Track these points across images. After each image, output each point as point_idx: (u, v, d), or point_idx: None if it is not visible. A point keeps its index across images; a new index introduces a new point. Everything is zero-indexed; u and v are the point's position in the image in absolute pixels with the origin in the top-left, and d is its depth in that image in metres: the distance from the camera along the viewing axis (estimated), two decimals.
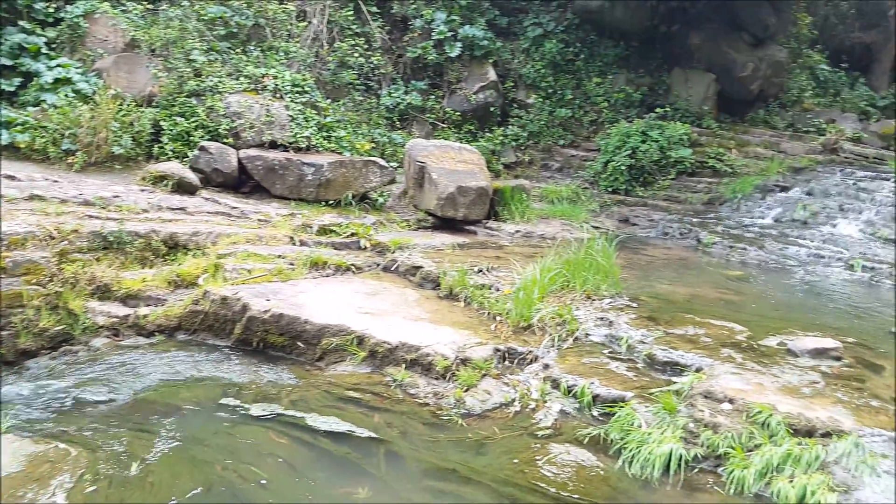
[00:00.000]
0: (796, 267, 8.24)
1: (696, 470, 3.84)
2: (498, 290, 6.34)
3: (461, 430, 4.29)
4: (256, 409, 4.41)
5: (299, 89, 10.09)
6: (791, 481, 3.57)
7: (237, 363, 5.21)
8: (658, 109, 12.35)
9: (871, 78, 15.80)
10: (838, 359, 4.97)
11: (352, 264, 7.14)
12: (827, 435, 3.90)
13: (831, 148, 11.90)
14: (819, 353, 5.01)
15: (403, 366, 5.02)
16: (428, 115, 12.23)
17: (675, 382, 4.58)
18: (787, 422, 3.95)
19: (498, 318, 5.82)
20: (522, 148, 12.58)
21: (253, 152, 9.11)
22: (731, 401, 4.21)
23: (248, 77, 9.89)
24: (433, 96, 12.48)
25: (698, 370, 4.71)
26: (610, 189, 11.43)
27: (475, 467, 3.88)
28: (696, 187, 11.18)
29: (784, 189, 10.44)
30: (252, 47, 10.66)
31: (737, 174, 11.15)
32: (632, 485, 3.71)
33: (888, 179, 9.94)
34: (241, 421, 4.30)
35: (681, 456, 3.82)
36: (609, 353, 5.21)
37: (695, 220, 10.02)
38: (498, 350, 5.24)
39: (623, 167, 11.25)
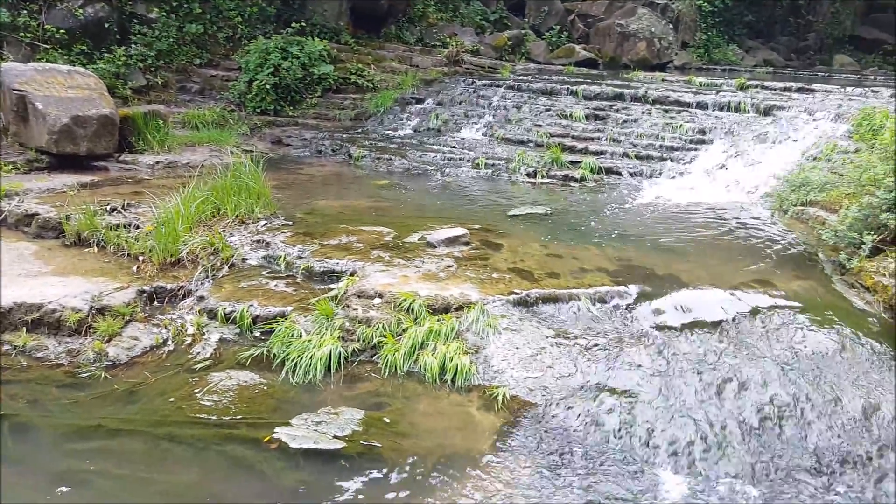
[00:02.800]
0: (434, 171, 9.13)
1: (356, 363, 4.09)
2: (138, 227, 5.71)
3: (106, 383, 3.85)
4: None
5: None
6: (433, 353, 4.04)
7: None
8: (294, 24, 12.12)
9: None
10: (467, 243, 5.70)
11: None
12: (460, 308, 4.48)
13: (454, 60, 13.23)
14: (451, 242, 5.67)
15: (24, 329, 4.24)
16: (23, 35, 10.08)
17: (332, 289, 4.74)
18: (428, 304, 4.42)
19: (141, 258, 5.26)
20: (153, 70, 11.26)
21: None
22: (380, 295, 4.53)
23: None
24: (25, 11, 10.28)
25: (352, 274, 4.94)
26: (258, 110, 11.02)
27: (126, 417, 3.54)
28: (343, 104, 11.47)
29: (419, 101, 11.34)
30: None
31: (378, 89, 11.71)
32: (297, 391, 3.79)
33: (500, 86, 11.50)
34: None
35: (340, 353, 4.01)
36: (268, 273, 5.14)
37: (345, 136, 10.32)
38: (143, 291, 4.76)
39: (268, 86, 10.91)
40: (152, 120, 8.84)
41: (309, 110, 11.28)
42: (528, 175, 8.88)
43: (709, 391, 3.73)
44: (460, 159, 9.53)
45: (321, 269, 5.04)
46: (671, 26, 15.18)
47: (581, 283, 4.90)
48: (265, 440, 3.29)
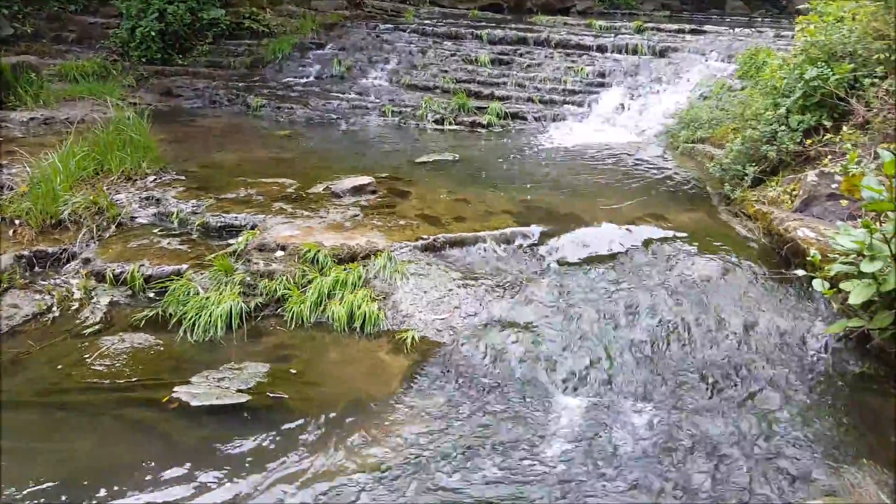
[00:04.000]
0: (339, 120, 8.87)
1: (260, 318, 3.98)
2: (12, 189, 5.24)
3: None
4: None
5: None
6: (341, 302, 3.99)
7: None
8: None
9: None
10: (374, 192, 5.61)
11: None
12: (367, 257, 4.43)
13: (356, 3, 12.77)
14: (357, 191, 5.56)
15: None
16: None
17: (231, 244, 4.55)
18: (334, 254, 4.34)
19: (17, 221, 4.85)
20: (20, 17, 10.22)
21: None
22: (283, 248, 4.40)
23: None
24: None
25: (253, 228, 4.77)
26: (144, 59, 10.25)
27: (11, 389, 3.30)
28: (238, 51, 10.84)
29: (320, 46, 10.89)
30: None
31: (275, 34, 11.13)
32: (196, 350, 3.65)
33: (405, 31, 11.22)
34: None
35: (241, 309, 3.89)
36: (160, 231, 4.87)
37: (241, 84, 9.80)
38: (21, 257, 4.42)
39: (153, 33, 10.13)
40: (24, 73, 8.08)
41: (201, 58, 10.62)
42: (436, 122, 8.82)
43: (604, 320, 3.90)
44: (366, 107, 9.31)
45: (218, 225, 4.83)
46: None
47: (487, 225, 4.95)
48: (164, 400, 3.16)
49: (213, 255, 4.34)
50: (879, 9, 5.33)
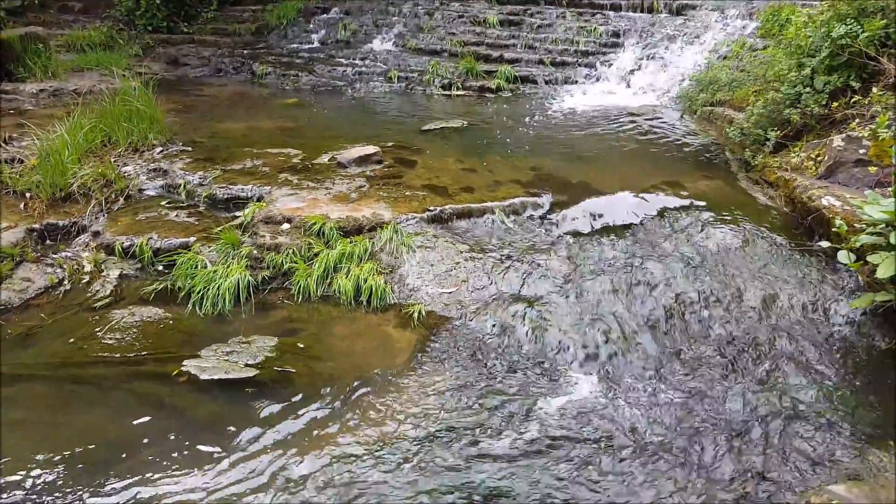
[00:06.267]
0: (345, 86, 8.77)
1: (267, 291, 3.99)
2: (23, 162, 5.25)
3: None
4: None
5: None
6: (347, 276, 3.98)
7: None
8: None
9: None
10: (380, 162, 5.56)
11: None
12: (373, 229, 4.41)
13: None
14: (363, 161, 5.51)
15: None
16: None
17: (237, 217, 4.55)
18: (339, 226, 4.33)
19: (28, 194, 4.87)
20: None
21: None
22: (289, 220, 4.39)
23: None
24: None
25: (259, 199, 4.75)
26: (150, 28, 10.17)
27: (24, 362, 3.37)
28: (242, 17, 10.71)
29: (325, 10, 10.72)
30: None
31: None
32: (205, 324, 3.68)
33: None
34: None
35: (249, 282, 3.90)
36: (168, 203, 4.87)
37: (246, 52, 9.70)
38: (32, 230, 4.44)
39: (158, 1, 10.03)
40: (31, 44, 8.02)
41: (206, 26, 10.51)
42: (443, 87, 8.69)
43: (618, 293, 3.85)
44: (372, 73, 9.18)
45: (225, 196, 4.82)
46: None
47: (495, 196, 4.90)
48: (174, 374, 3.20)
49: (220, 228, 4.35)
50: None
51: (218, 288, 3.80)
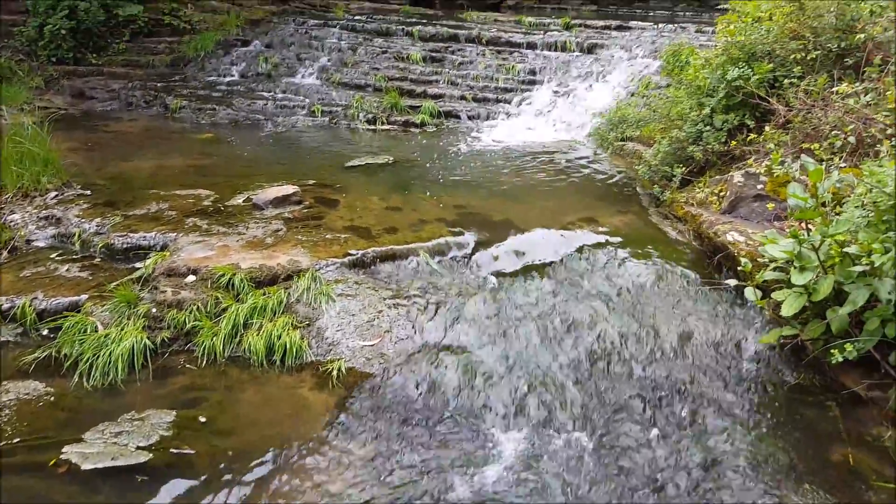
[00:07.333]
0: (265, 120, 8.43)
1: (167, 354, 3.62)
2: None
3: None
4: None
5: None
6: (259, 333, 3.66)
7: None
8: None
9: None
10: (299, 202, 5.27)
11: None
12: (289, 278, 4.10)
13: None
14: (281, 201, 5.21)
15: None
16: None
17: (137, 268, 4.16)
18: (251, 276, 4.00)
19: None
20: None
21: None
22: (195, 272, 4.03)
23: None
24: None
25: (163, 248, 4.38)
26: (54, 59, 9.52)
27: None
28: (157, 48, 10.21)
29: (245, 43, 10.36)
30: None
31: (197, 31, 10.53)
32: (93, 398, 3.27)
33: (335, 27, 10.79)
34: None
35: (146, 346, 3.52)
36: (59, 256, 4.42)
37: (159, 84, 9.21)
38: None
39: (63, 31, 9.41)
40: None
41: (117, 57, 9.96)
42: (368, 122, 8.51)
43: (543, 338, 3.71)
44: (294, 106, 8.91)
45: (124, 246, 4.42)
46: None
47: (420, 236, 4.70)
48: (51, 464, 2.79)
49: (115, 283, 3.94)
50: (794, 9, 5.32)
51: (109, 354, 3.40)
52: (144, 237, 4.47)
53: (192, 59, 10.05)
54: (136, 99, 8.86)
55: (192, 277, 3.97)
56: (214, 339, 3.58)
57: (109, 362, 3.38)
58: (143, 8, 10.38)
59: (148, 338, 3.54)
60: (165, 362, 3.54)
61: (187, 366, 3.52)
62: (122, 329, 3.54)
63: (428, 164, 6.73)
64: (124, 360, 3.40)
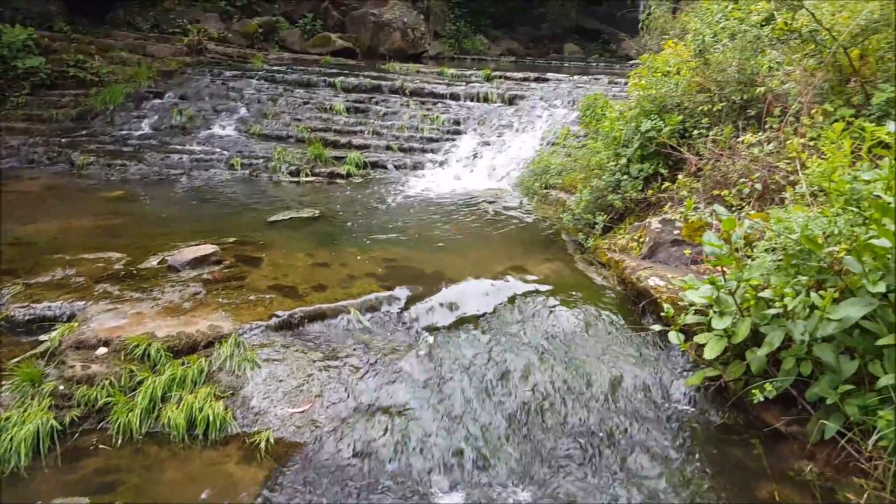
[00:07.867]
0: (180, 175, 8.14)
1: (78, 434, 3.32)
2: None
3: None
4: None
5: None
6: (178, 406, 3.43)
7: None
8: None
9: None
10: (219, 262, 5.06)
11: None
12: (210, 345, 3.90)
13: (197, 49, 12.02)
14: (199, 262, 4.99)
15: None
16: None
17: (42, 342, 3.84)
18: (168, 345, 3.78)
19: None
20: None
21: None
22: (106, 343, 3.76)
23: None
24: None
25: (70, 318, 4.07)
26: None
27: None
28: (61, 101, 9.73)
29: (157, 95, 10.05)
30: None
31: (105, 83, 10.13)
32: None
33: (253, 77, 10.67)
34: None
35: (52, 428, 3.22)
36: None
37: (64, 140, 8.74)
38: None
39: None
40: None
41: (16, 111, 9.42)
42: (291, 174, 8.38)
43: (477, 392, 3.68)
44: (212, 160, 8.66)
45: (26, 318, 4.08)
46: (423, 17, 15.48)
47: (350, 292, 4.60)
48: None
49: (17, 360, 3.62)
50: (699, 64, 5.71)
51: (11, 440, 3.08)
52: (49, 307, 4.15)
53: (101, 113, 9.64)
54: (37, 155, 8.37)
55: (103, 350, 3.70)
56: (130, 415, 3.33)
57: (11, 448, 3.06)
58: (44, 59, 9.93)
59: (55, 418, 3.24)
60: (76, 443, 3.24)
61: (101, 446, 3.24)
62: (24, 411, 3.23)
63: (356, 217, 6.67)
64: (28, 445, 3.09)
